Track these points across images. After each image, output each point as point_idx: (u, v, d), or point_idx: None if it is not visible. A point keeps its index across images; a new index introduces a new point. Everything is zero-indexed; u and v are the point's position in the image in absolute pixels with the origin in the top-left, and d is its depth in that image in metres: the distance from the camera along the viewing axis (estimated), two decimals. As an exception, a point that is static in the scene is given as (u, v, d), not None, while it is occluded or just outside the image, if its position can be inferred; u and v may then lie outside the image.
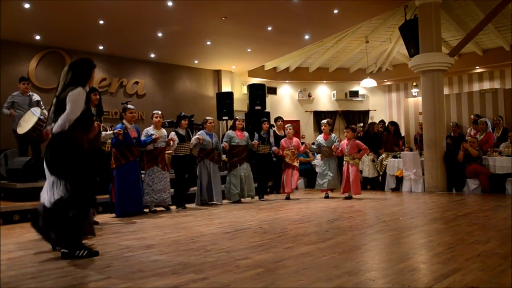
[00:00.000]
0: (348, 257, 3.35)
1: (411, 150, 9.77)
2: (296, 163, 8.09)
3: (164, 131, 6.90)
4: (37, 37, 8.94)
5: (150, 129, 6.69)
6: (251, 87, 11.50)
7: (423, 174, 8.78)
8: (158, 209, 6.74)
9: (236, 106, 11.70)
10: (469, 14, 10.19)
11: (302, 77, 13.85)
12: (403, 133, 11.97)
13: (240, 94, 12.77)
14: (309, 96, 14.12)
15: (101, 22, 8.12)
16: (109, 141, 6.26)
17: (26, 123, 6.41)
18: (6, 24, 7.84)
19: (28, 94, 7.29)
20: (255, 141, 7.94)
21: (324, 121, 8.24)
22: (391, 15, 10.62)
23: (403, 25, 9.61)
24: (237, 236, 4.38)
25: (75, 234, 3.57)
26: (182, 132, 7.13)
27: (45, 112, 6.54)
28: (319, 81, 14.15)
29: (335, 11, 8.40)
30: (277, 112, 12.33)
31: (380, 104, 14.69)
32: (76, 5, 7.28)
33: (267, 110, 11.53)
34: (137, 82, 10.93)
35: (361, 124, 11.92)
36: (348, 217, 5.56)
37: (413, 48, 9.23)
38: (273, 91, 13.33)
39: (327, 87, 14.38)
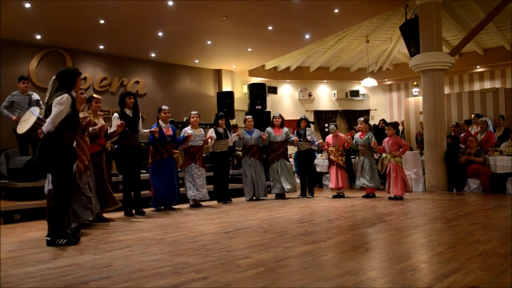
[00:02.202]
0: (349, 257, 3.34)
1: (411, 149, 9.75)
2: (340, 161, 8.03)
3: (201, 130, 7.37)
4: (38, 37, 8.94)
5: (187, 129, 7.18)
6: (252, 87, 11.50)
7: (424, 173, 8.78)
8: (201, 203, 7.22)
9: (237, 105, 11.70)
10: (469, 14, 10.19)
11: (303, 76, 13.85)
12: (401, 133, 11.96)
13: (241, 94, 12.77)
14: (310, 95, 14.12)
15: (102, 21, 8.12)
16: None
17: (26, 122, 6.38)
18: (6, 24, 7.84)
19: (27, 93, 7.30)
20: (295, 137, 8.07)
21: (361, 118, 8.14)
22: (392, 14, 10.62)
23: (404, 25, 9.60)
24: (238, 235, 4.39)
25: (56, 224, 4.02)
26: (220, 130, 7.60)
27: (44, 111, 6.54)
28: (320, 80, 14.14)
29: (336, 11, 8.40)
30: (277, 111, 12.32)
31: (381, 104, 14.68)
32: (76, 5, 7.28)
33: (267, 109, 11.53)
34: (137, 82, 10.93)
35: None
36: (349, 216, 5.56)
37: (413, 47, 9.22)
38: (274, 90, 13.32)
39: (328, 86, 14.37)
